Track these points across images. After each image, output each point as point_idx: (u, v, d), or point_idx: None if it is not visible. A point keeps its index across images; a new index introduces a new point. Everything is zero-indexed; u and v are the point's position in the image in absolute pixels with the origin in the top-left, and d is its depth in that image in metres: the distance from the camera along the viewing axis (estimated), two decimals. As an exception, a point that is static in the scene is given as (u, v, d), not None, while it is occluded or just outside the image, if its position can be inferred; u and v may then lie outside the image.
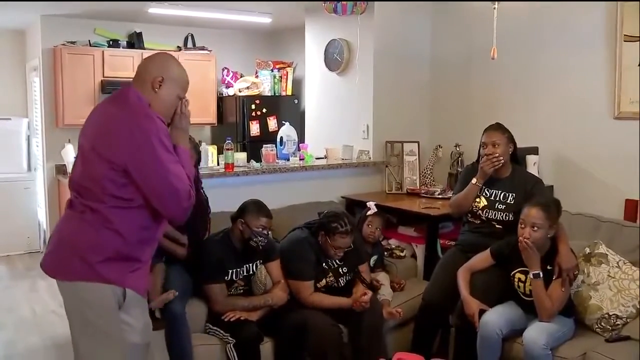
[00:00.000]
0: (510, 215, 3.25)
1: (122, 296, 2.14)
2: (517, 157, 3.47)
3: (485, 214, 3.37)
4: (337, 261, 3.35)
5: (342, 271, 3.37)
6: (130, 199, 2.08)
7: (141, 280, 2.21)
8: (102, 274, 2.07)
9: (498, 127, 3.38)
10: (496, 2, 3.66)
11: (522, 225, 2.94)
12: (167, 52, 2.29)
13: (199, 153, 3.30)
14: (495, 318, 2.96)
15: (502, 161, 3.31)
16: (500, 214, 3.32)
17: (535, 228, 2.87)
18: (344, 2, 4.62)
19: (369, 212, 3.77)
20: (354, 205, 4.48)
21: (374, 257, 3.77)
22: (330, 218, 3.26)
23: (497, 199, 3.35)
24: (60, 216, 6.23)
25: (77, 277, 2.09)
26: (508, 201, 3.32)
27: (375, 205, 3.83)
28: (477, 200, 3.39)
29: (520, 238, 2.91)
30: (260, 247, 3.15)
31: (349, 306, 3.16)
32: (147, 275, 2.28)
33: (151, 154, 2.03)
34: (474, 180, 3.38)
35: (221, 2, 5.38)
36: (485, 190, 3.39)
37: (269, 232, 3.27)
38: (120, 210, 2.08)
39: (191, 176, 2.20)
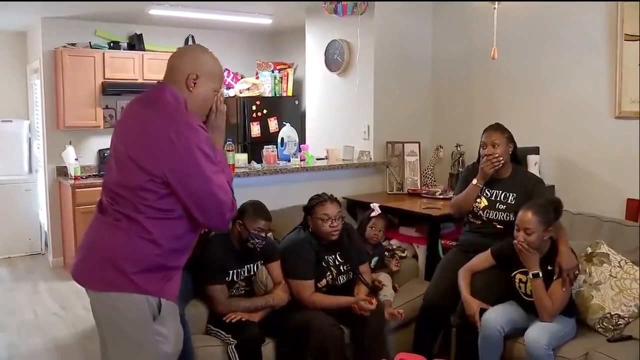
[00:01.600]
0: (511, 215, 3.25)
1: (158, 307, 2.05)
2: (518, 157, 3.47)
3: (486, 214, 3.36)
4: (337, 258, 3.35)
5: (343, 269, 3.37)
6: (170, 210, 2.00)
7: (175, 287, 2.14)
8: (138, 284, 1.99)
9: (497, 128, 3.38)
10: (496, 2, 3.65)
11: (517, 229, 2.94)
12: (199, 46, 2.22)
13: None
14: (497, 316, 2.96)
15: (502, 161, 3.30)
16: (501, 214, 3.32)
17: (529, 232, 2.87)
18: (344, 3, 4.63)
19: (372, 214, 3.76)
20: (355, 206, 4.48)
21: (375, 259, 3.77)
22: (308, 201, 3.37)
23: (498, 199, 3.35)
24: (61, 217, 6.21)
25: (111, 288, 1.99)
26: (509, 201, 3.32)
27: (380, 207, 3.82)
28: (478, 200, 3.39)
29: (515, 242, 2.92)
30: (258, 249, 3.15)
31: (350, 305, 3.15)
32: (179, 281, 2.18)
33: (194, 165, 1.94)
34: (474, 181, 3.37)
35: (221, 3, 5.38)
36: (486, 190, 3.39)
37: (270, 233, 3.27)
38: (158, 221, 2.00)
39: (230, 180, 2.13)
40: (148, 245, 1.99)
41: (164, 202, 1.98)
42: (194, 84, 2.08)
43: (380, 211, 3.78)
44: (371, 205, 3.84)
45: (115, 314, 2.02)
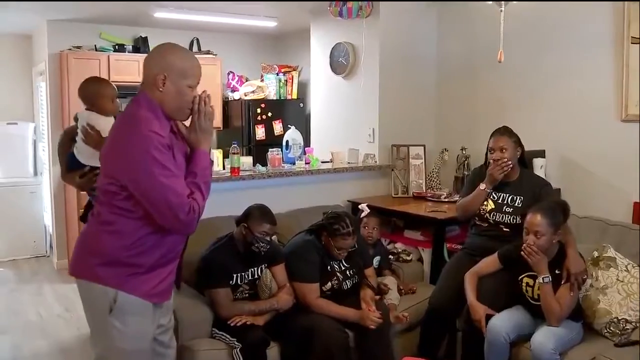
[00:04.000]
0: (518, 218, 3.23)
1: (114, 300, 2.12)
2: (525, 160, 3.46)
3: (492, 217, 3.35)
4: (343, 263, 3.34)
5: (348, 273, 3.36)
6: (133, 210, 2.09)
7: (145, 286, 2.17)
8: (99, 275, 2.11)
9: (505, 131, 3.37)
10: (503, 4, 3.63)
11: (526, 232, 2.92)
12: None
13: None
14: (503, 323, 2.94)
15: (511, 165, 3.29)
16: (508, 216, 3.31)
17: (539, 235, 2.86)
18: (349, 6, 4.62)
19: (362, 215, 3.80)
20: (372, 211, 4.46)
21: (377, 258, 3.77)
22: (331, 220, 3.26)
23: (505, 202, 3.33)
24: (66, 220, 6.24)
25: (80, 276, 2.18)
26: (516, 204, 3.30)
27: (367, 206, 3.88)
28: (485, 203, 3.38)
29: (524, 245, 2.90)
30: (262, 253, 3.14)
31: (355, 320, 3.14)
32: (160, 281, 2.21)
33: (143, 170, 2.01)
34: (482, 186, 3.36)
35: (226, 5, 5.38)
36: (493, 193, 3.37)
37: (274, 237, 3.26)
38: (122, 218, 2.10)
39: (203, 183, 2.15)
40: (109, 238, 2.11)
41: (125, 202, 2.09)
42: (163, 84, 2.11)
43: (369, 210, 3.83)
44: (359, 206, 3.89)
45: (83, 300, 2.23)
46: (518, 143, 3.36)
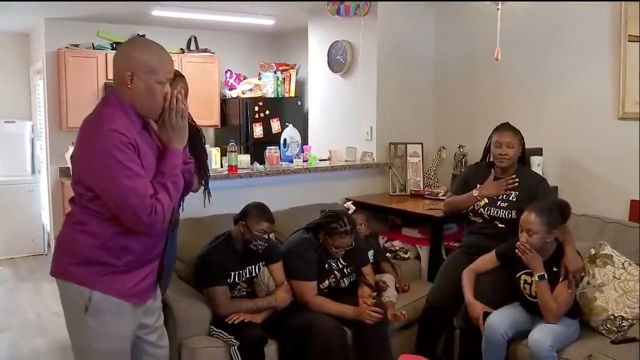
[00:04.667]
0: (513, 213, 3.25)
1: (89, 299, 2.09)
2: (525, 158, 3.48)
3: (487, 212, 3.36)
4: (340, 262, 3.34)
5: (346, 271, 3.36)
6: (100, 212, 2.06)
7: (121, 284, 2.13)
8: (74, 274, 2.10)
9: (510, 128, 3.40)
10: (500, 3, 3.64)
11: (520, 230, 2.93)
12: (134, 40, 2.17)
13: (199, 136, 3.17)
14: (500, 320, 2.95)
15: (516, 185, 3.31)
16: (503, 211, 3.32)
17: (531, 233, 2.87)
18: (347, 4, 4.62)
19: (349, 212, 3.78)
20: (358, 207, 4.47)
21: (370, 252, 3.77)
22: (329, 218, 3.26)
23: (500, 197, 3.34)
24: (63, 218, 6.23)
25: (57, 275, 2.16)
26: (510, 199, 3.32)
27: (354, 202, 3.96)
28: (479, 198, 3.42)
29: (518, 243, 2.91)
30: (260, 251, 3.14)
31: (353, 317, 3.15)
32: (134, 281, 2.17)
33: (106, 172, 1.98)
34: (475, 193, 3.38)
35: (224, 4, 5.38)
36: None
37: (272, 234, 3.26)
38: (93, 217, 2.08)
39: (171, 183, 2.09)
40: (82, 238, 2.09)
41: (94, 203, 2.06)
42: (131, 80, 2.07)
43: (354, 207, 3.85)
44: (344, 205, 3.92)
45: (62, 300, 2.20)
46: (522, 142, 3.39)
